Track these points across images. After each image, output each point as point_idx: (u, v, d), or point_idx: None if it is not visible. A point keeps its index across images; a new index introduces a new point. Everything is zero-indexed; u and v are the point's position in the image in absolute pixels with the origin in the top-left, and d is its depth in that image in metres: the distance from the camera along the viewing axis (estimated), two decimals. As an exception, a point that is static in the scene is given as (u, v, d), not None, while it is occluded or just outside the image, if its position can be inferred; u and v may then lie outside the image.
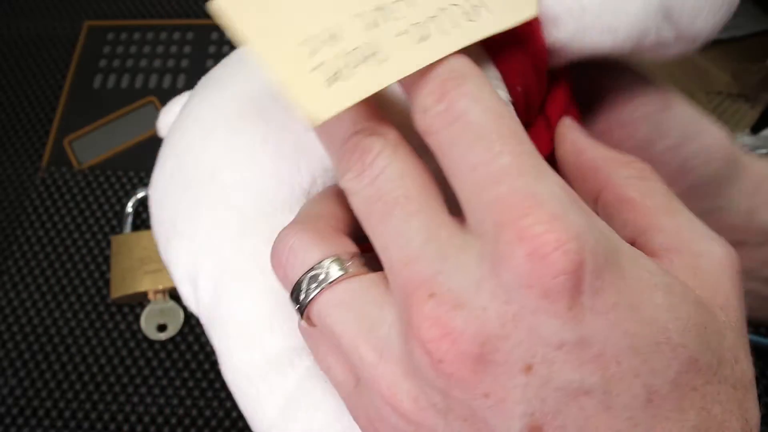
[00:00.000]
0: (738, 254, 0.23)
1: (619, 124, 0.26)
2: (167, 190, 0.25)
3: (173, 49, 0.60)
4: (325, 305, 0.18)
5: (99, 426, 0.44)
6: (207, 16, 0.62)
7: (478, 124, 0.17)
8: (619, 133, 0.26)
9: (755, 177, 0.28)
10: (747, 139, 0.50)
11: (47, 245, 0.51)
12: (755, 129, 0.52)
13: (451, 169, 0.18)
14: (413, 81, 0.19)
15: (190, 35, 0.61)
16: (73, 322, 0.48)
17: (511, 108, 0.23)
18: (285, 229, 0.20)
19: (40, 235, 0.51)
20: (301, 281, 0.19)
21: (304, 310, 0.19)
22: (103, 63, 0.59)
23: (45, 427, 0.44)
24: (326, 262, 0.18)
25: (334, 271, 0.18)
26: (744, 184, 0.28)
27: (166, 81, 0.58)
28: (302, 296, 0.18)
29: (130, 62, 0.59)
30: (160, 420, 0.45)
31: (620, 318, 0.16)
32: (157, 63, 0.59)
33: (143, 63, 0.59)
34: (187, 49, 0.60)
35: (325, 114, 0.18)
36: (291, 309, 0.20)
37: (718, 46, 0.57)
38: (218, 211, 0.23)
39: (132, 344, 0.47)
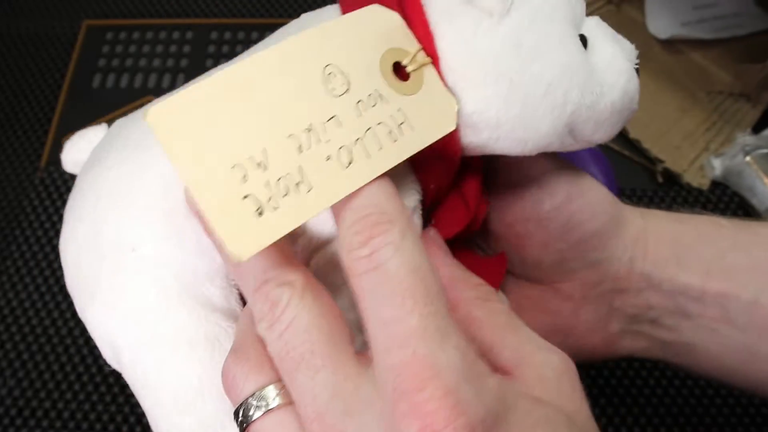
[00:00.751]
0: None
1: (510, 185, 0.29)
2: (81, 255, 0.25)
3: (172, 48, 0.60)
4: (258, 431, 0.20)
5: (98, 427, 0.44)
6: (206, 15, 0.62)
7: (395, 277, 0.18)
8: (511, 194, 0.29)
9: (633, 230, 0.30)
10: (749, 139, 0.50)
11: (46, 245, 0.51)
12: (756, 129, 0.52)
13: (366, 315, 0.19)
14: (342, 211, 0.20)
15: (189, 35, 0.61)
16: (72, 322, 0.48)
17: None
18: (228, 358, 0.21)
19: (39, 235, 0.51)
20: (241, 408, 0.21)
21: (245, 430, 0.21)
22: (102, 62, 0.59)
23: (44, 428, 0.44)
24: (263, 392, 0.20)
25: (271, 399, 0.20)
26: (624, 236, 0.30)
27: (166, 80, 0.58)
28: (240, 420, 0.21)
29: (129, 62, 0.59)
30: (159, 421, 0.45)
31: None
32: (156, 62, 0.59)
33: (142, 62, 0.59)
34: (186, 48, 0.60)
35: (251, 251, 0.18)
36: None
37: (719, 45, 0.57)
38: (141, 283, 0.24)
39: (131, 345, 0.47)
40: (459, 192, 0.27)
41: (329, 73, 0.20)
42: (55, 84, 0.58)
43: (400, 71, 0.22)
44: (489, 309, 0.23)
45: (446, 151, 0.24)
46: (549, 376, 0.21)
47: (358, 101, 0.21)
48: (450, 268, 0.25)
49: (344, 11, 0.24)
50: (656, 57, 0.56)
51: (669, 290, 0.29)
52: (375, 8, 0.23)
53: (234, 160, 0.18)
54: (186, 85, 0.20)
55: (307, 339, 0.19)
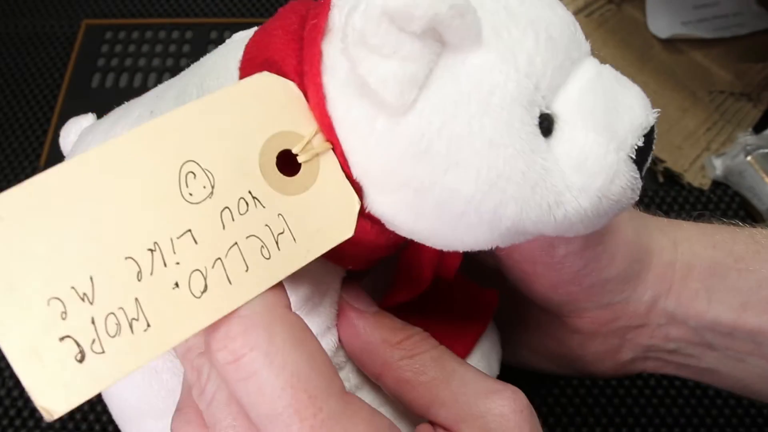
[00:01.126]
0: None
1: None
2: None
3: (172, 48, 0.60)
4: None
5: (97, 428, 0.44)
6: (206, 15, 0.62)
7: (270, 394, 0.17)
8: None
9: (660, 266, 0.28)
10: (750, 138, 0.50)
11: (45, 245, 0.51)
12: (758, 128, 0.52)
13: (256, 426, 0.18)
14: None
15: (188, 34, 0.61)
16: (71, 323, 0.48)
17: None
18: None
19: (38, 235, 0.51)
20: None
21: None
22: (101, 62, 0.59)
23: (43, 428, 0.44)
24: None
25: None
26: (647, 277, 0.27)
27: (165, 80, 0.58)
28: None
29: (128, 61, 0.59)
30: (158, 421, 0.45)
31: None
32: (155, 62, 0.59)
33: (142, 62, 0.59)
34: (185, 48, 0.60)
35: (66, 406, 0.15)
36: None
37: (720, 44, 0.56)
38: None
39: (130, 345, 0.47)
40: (412, 257, 0.23)
41: (188, 173, 0.17)
42: (54, 83, 0.58)
43: (291, 160, 0.18)
44: (417, 367, 0.22)
45: (361, 242, 0.20)
46: (493, 427, 0.20)
47: (224, 209, 0.17)
48: (367, 336, 0.23)
49: (241, 75, 0.20)
50: (657, 56, 0.56)
51: (695, 326, 0.27)
52: (264, 78, 0.18)
53: (51, 291, 0.15)
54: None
55: (228, 413, 0.19)
